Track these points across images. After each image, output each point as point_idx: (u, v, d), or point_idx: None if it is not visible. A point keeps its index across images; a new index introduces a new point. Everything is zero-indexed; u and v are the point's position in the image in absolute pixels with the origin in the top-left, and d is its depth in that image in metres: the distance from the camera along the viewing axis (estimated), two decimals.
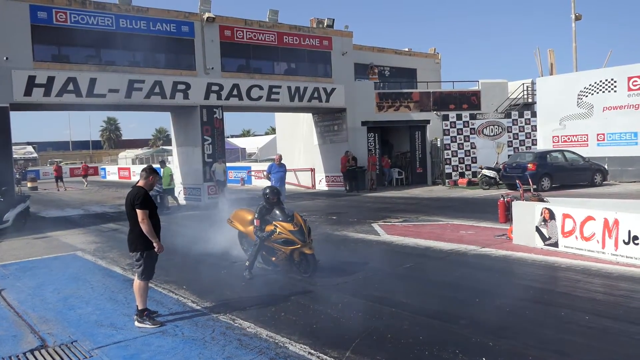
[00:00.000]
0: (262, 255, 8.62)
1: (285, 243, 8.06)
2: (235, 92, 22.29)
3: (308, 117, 28.06)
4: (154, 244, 6.12)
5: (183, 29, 21.25)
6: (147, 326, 6.07)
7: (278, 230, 8.09)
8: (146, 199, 6.14)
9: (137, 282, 6.28)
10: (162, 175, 18.44)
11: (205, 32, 21.66)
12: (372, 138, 26.66)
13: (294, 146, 29.34)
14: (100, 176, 51.55)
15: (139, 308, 6.23)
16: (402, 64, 30.98)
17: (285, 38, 23.85)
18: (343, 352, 5.12)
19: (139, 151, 59.95)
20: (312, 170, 27.73)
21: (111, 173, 49.39)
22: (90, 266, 9.89)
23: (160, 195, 18.06)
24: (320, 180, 27.28)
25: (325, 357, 5.05)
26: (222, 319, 6.35)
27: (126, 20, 19.66)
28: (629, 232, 8.21)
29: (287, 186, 17.43)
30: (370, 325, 5.91)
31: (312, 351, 5.20)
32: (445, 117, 25.02)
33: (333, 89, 24.95)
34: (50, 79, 17.98)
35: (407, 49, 31.71)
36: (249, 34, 22.83)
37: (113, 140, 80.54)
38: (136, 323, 6.16)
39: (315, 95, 24.52)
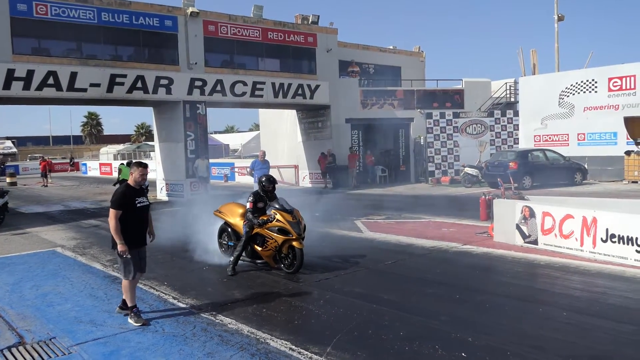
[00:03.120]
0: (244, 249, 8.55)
1: (280, 232, 8.00)
2: (218, 88, 22.16)
3: (292, 113, 28.01)
4: (118, 245, 5.89)
5: (166, 23, 21.06)
6: (132, 323, 6.01)
7: (277, 217, 8.04)
8: (120, 198, 5.95)
9: (123, 280, 6.23)
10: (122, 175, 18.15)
11: (189, 27, 21.49)
12: (356, 135, 26.72)
13: (277, 143, 29.27)
14: (81, 172, 50.94)
15: (128, 305, 6.16)
16: (387, 61, 31.05)
17: (270, 34, 23.76)
18: (324, 348, 5.14)
19: (120, 147, 59.30)
20: (296, 167, 27.71)
21: (92, 168, 48.82)
22: (70, 262, 9.77)
23: None
24: (304, 177, 27.27)
25: (306, 352, 5.06)
26: (203, 315, 6.32)
27: (108, 14, 19.42)
28: (607, 230, 8.34)
29: None
30: (352, 321, 5.93)
31: (294, 347, 5.20)
32: (429, 115, 25.16)
33: (317, 86, 24.93)
34: (30, 73, 17.70)
35: (391, 47, 31.79)
36: (233, 30, 22.71)
37: (94, 136, 79.57)
38: (128, 319, 6.09)
39: (300, 91, 24.48)
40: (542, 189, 19.53)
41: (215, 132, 60.38)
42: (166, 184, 22.40)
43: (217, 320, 6.10)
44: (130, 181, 6.13)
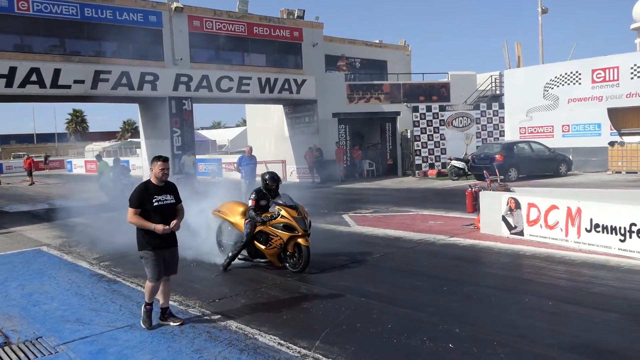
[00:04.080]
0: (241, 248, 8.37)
1: (286, 228, 7.71)
2: (204, 84, 22.06)
3: (279, 108, 27.97)
4: (155, 227, 5.50)
5: (150, 18, 20.90)
6: (169, 323, 5.80)
7: (282, 213, 7.74)
8: (136, 195, 5.60)
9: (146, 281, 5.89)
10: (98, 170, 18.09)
11: (174, 22, 21.36)
12: (343, 130, 26.75)
13: (264, 138, 29.22)
14: (66, 169, 50.44)
15: (146, 301, 5.83)
16: (373, 55, 31.09)
17: (256, 29, 23.68)
18: (313, 342, 5.15)
19: (106, 144, 58.86)
20: (283, 162, 27.65)
21: (78, 166, 48.34)
22: (55, 261, 9.69)
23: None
24: (291, 172, 27.24)
25: (295, 347, 5.06)
26: (191, 311, 6.31)
27: (91, 9, 19.24)
28: (591, 220, 8.43)
29: (257, 178, 17.34)
30: (340, 315, 5.95)
31: (282, 342, 5.21)
32: (415, 109, 25.24)
33: (304, 81, 24.91)
34: (12, 70, 17.50)
35: (377, 41, 31.82)
36: (219, 25, 22.59)
37: (80, 133, 78.78)
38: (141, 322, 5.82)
39: (286, 86, 24.44)
40: (528, 180, 19.70)
41: (202, 128, 60.08)
42: None
43: (205, 317, 6.09)
44: (152, 177, 5.74)
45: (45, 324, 6.08)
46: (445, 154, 24.96)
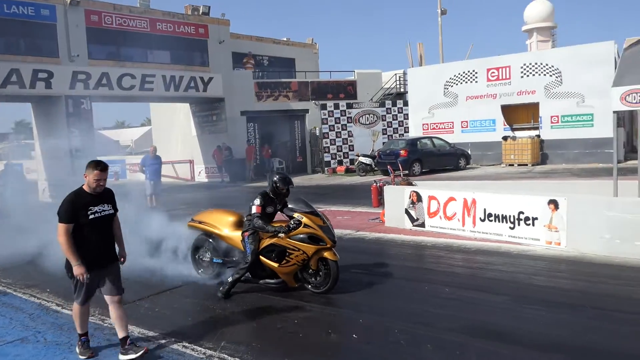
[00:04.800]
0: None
1: (311, 240, 6.28)
2: (104, 81, 21.06)
3: (185, 107, 27.30)
4: (73, 267, 4.67)
5: (43, 12, 19.63)
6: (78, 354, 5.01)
7: (304, 221, 6.31)
8: (65, 208, 4.71)
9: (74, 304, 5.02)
10: None
11: (69, 17, 20.19)
12: (252, 128, 26.60)
13: (171, 137, 28.39)
14: None
15: (78, 332, 5.06)
16: (281, 53, 31.13)
17: (159, 25, 22.94)
18: (218, 342, 5.09)
19: None
20: (191, 161, 27.07)
21: None
22: None
23: None
24: (199, 172, 26.72)
25: (200, 349, 4.98)
26: (90, 320, 6.00)
27: None
28: (485, 210, 8.99)
29: (164, 179, 16.85)
30: (247, 312, 5.92)
31: (187, 344, 5.10)
32: (324, 107, 25.59)
33: (210, 79, 24.47)
34: None
35: (285, 39, 31.90)
36: (119, 20, 21.65)
37: None
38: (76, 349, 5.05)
39: (192, 84, 23.90)
40: (431, 174, 20.62)
41: (104, 129, 57.33)
42: (48, 185, 20.94)
43: (105, 324, 5.83)
44: (85, 185, 4.87)
45: None
46: (353, 150, 25.52)
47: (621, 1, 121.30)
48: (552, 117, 22.76)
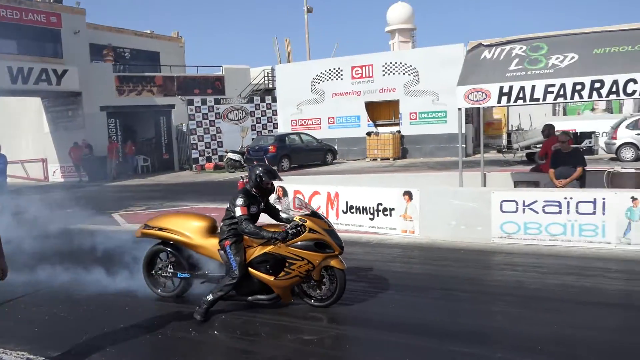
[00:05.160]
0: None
1: (318, 247, 5.38)
2: None
3: (36, 101, 25.07)
4: None
5: None
6: None
7: (308, 225, 5.38)
8: None
9: None
10: None
11: None
12: (113, 124, 25.19)
13: (20, 135, 25.94)
14: None
15: None
16: (144, 46, 29.79)
17: (3, 11, 20.80)
18: (68, 350, 4.74)
19: None
20: (44, 160, 24.97)
21: None
22: None
23: None
24: (54, 172, 24.74)
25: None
26: None
27: None
28: (347, 202, 9.34)
29: (11, 180, 15.36)
30: (101, 319, 5.59)
31: (31, 356, 4.70)
32: (190, 102, 24.96)
33: (65, 71, 22.72)
34: None
35: (148, 31, 30.58)
36: None
37: None
38: None
39: (44, 77, 22.02)
40: (299, 169, 20.98)
41: None
42: None
43: None
44: None
45: None
46: (222, 147, 25.19)
47: (474, 4, 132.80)
48: (411, 113, 24.27)
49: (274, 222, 5.85)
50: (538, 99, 8.03)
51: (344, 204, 9.39)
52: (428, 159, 22.99)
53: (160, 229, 5.99)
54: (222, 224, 5.57)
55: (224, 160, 23.53)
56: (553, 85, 7.87)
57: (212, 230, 5.82)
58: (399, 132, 24.32)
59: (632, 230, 7.09)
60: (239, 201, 5.38)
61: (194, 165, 24.72)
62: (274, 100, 27.28)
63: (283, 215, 5.80)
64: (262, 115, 26.82)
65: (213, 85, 28.14)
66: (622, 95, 7.51)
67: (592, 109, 28.23)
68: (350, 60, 25.77)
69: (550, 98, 7.98)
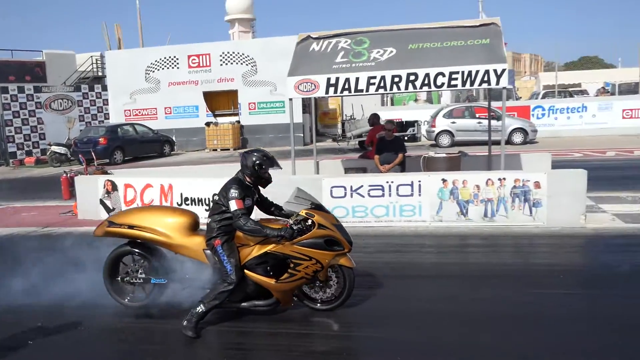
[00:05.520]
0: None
1: (328, 244, 4.73)
2: None
3: None
4: None
5: None
6: None
7: (316, 220, 4.70)
8: None
9: None
10: None
11: None
12: None
13: None
14: None
15: None
16: None
17: None
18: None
19: None
20: None
21: None
22: None
23: None
24: None
25: None
26: None
27: None
28: (181, 194, 9.10)
29: None
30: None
31: None
32: (5, 90, 22.37)
33: None
34: None
35: None
36: None
37: None
38: None
39: None
40: (135, 162, 19.96)
41: None
42: None
43: None
44: None
45: None
46: (44, 139, 22.98)
47: None
48: (249, 103, 24.33)
49: (265, 216, 5.14)
50: (362, 90, 8.53)
51: (178, 196, 9.13)
52: (268, 148, 23.02)
53: (131, 227, 5.05)
54: (209, 219, 4.81)
55: (48, 153, 21.46)
56: (375, 77, 8.42)
57: (194, 227, 5.05)
58: (238, 122, 24.25)
59: (443, 209, 7.90)
60: (234, 193, 4.59)
61: (11, 160, 22.17)
62: (105, 89, 25.54)
63: (288, 208, 5.02)
64: (91, 105, 25.01)
65: (32, 71, 25.48)
66: (432, 87, 8.28)
67: (416, 100, 30.89)
68: (186, 48, 25.01)
69: (372, 89, 8.51)
